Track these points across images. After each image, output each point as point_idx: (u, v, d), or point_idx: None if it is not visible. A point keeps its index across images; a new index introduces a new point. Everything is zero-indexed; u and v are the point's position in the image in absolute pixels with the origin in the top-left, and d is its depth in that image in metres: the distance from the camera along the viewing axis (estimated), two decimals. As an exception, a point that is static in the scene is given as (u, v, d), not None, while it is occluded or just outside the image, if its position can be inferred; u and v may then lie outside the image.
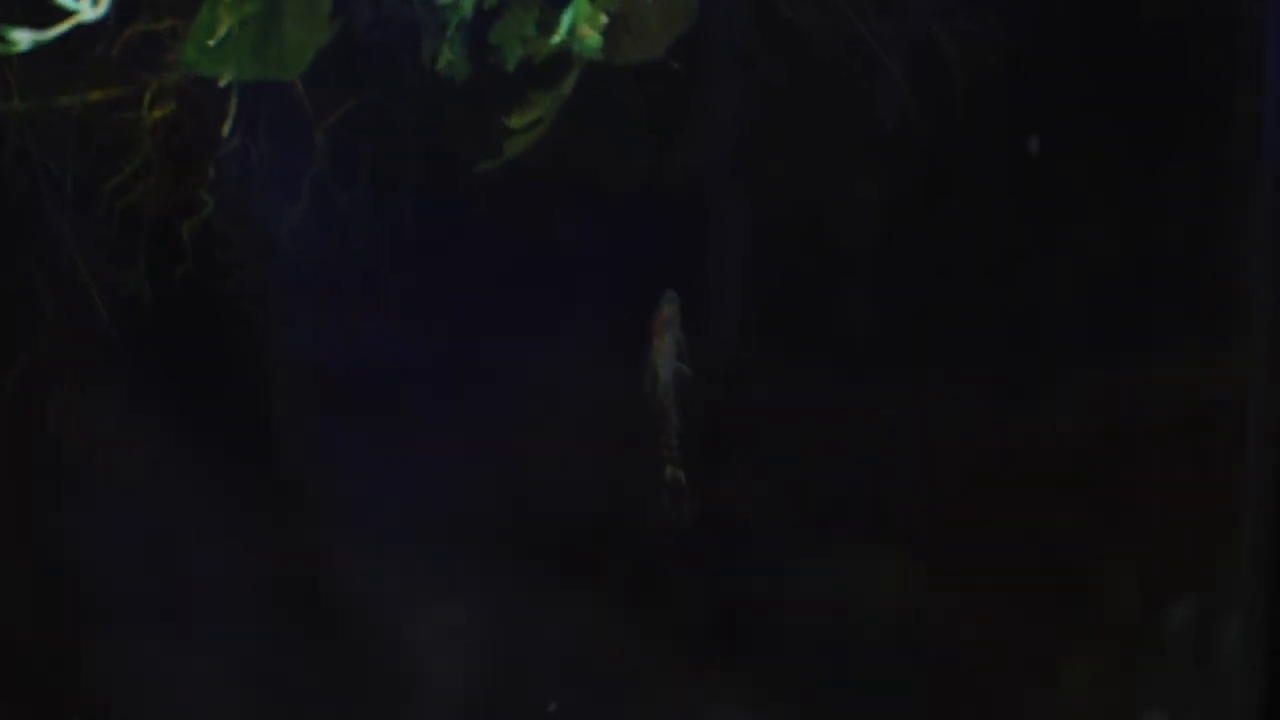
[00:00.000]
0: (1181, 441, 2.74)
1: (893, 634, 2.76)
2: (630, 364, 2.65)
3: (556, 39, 2.41)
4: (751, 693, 2.76)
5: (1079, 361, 2.73)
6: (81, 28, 2.30)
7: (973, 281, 2.70)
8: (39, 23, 2.14)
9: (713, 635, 2.77)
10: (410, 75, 2.52)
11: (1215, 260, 2.71)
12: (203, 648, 2.75)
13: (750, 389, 2.69)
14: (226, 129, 2.54)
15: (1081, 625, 2.76)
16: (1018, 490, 2.72)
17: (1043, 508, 2.74)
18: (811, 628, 2.75)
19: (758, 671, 2.76)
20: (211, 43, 2.45)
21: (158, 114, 2.57)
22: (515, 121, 2.50)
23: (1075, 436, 2.74)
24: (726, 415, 2.68)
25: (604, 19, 2.37)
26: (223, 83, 2.47)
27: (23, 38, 2.14)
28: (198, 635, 2.75)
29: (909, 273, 2.70)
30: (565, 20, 2.36)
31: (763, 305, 2.69)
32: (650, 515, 2.68)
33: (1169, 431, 2.74)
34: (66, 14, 2.14)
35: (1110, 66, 2.64)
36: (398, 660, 2.75)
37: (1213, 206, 2.69)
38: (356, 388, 2.69)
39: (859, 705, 2.74)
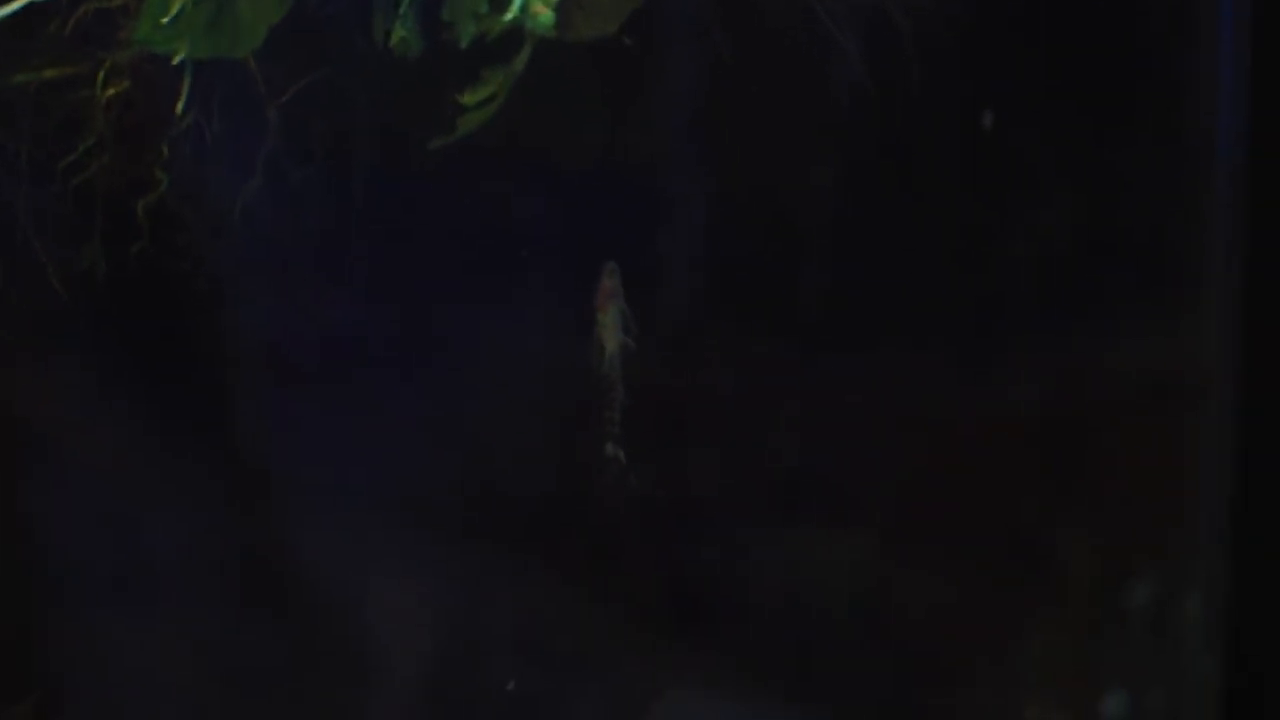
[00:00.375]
0: (1141, 419, 2.73)
1: (848, 612, 2.75)
2: (586, 338, 2.65)
3: (509, 16, 2.42)
4: (707, 668, 2.76)
5: (1037, 339, 2.72)
6: (34, 5, 2.31)
7: (929, 258, 2.70)
8: (-13, -1, 2.15)
9: (667, 612, 2.77)
10: (363, 52, 2.53)
11: (1175, 236, 2.70)
12: (162, 626, 2.75)
13: (704, 365, 2.69)
14: (180, 107, 2.55)
15: (1042, 603, 2.76)
16: (975, 468, 2.72)
17: (1001, 486, 2.73)
18: (766, 604, 2.75)
19: (713, 648, 2.76)
20: (165, 20, 2.46)
21: (111, 91, 2.58)
22: (468, 98, 2.50)
23: (1034, 414, 2.74)
24: (679, 391, 2.68)
25: (557, -5, 2.38)
26: (176, 60, 2.48)
27: (-29, 14, 2.15)
28: (158, 614, 2.75)
29: (864, 249, 2.70)
30: (517, -3, 2.37)
31: (717, 281, 2.69)
32: (605, 491, 2.68)
33: (1128, 409, 2.74)
34: (15, -10, 2.15)
35: (1066, 40, 2.64)
36: (353, 639, 2.75)
37: (1172, 181, 2.69)
38: (312, 364, 2.69)
39: (815, 681, 2.74)
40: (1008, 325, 2.72)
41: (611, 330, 2.62)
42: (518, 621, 2.76)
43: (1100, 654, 2.76)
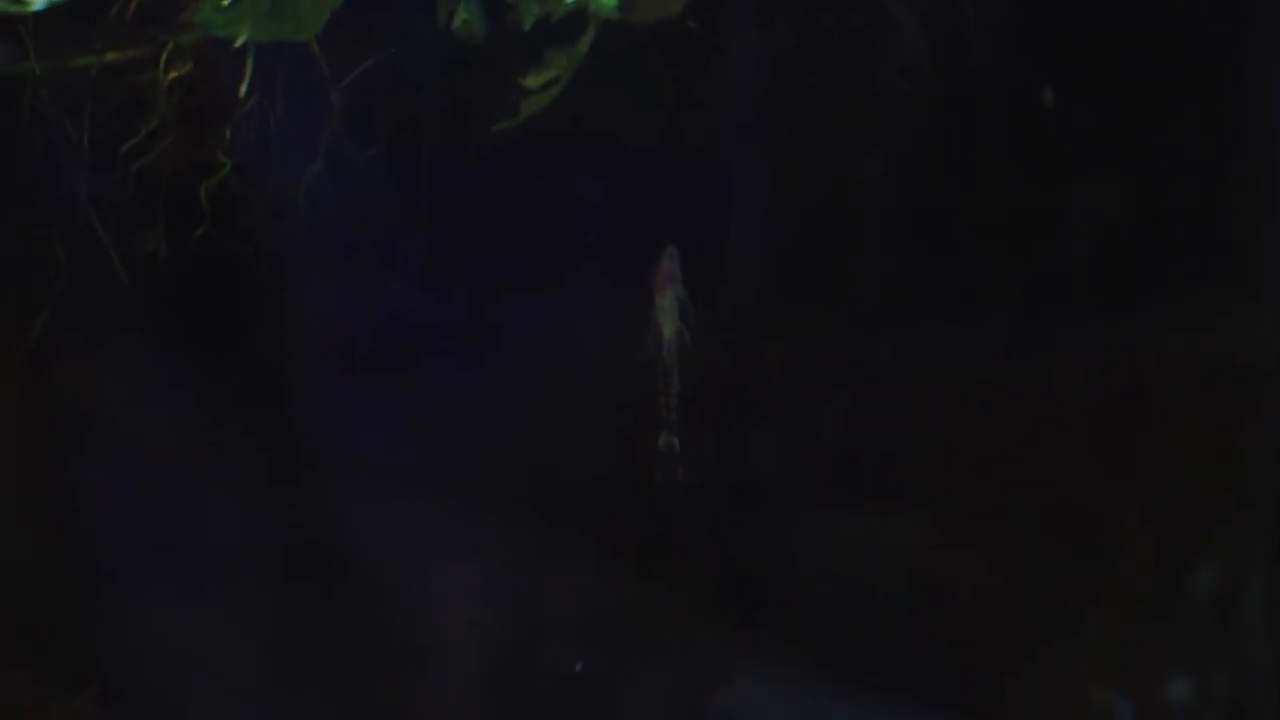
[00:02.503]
0: (1201, 403, 2.73)
1: (907, 595, 2.75)
2: (647, 322, 2.65)
3: (573, -2, 2.41)
4: (764, 650, 2.76)
5: (1098, 319, 2.71)
6: (96, -12, 2.30)
7: (987, 237, 2.69)
8: (54, -18, 2.14)
9: (726, 594, 2.76)
10: (426, 35, 2.52)
11: (1233, 220, 2.69)
12: (221, 608, 2.75)
13: (766, 347, 2.68)
14: (243, 90, 2.54)
15: (1102, 587, 2.75)
16: (1034, 451, 2.71)
17: (1062, 471, 2.72)
18: (824, 586, 2.74)
19: (771, 630, 2.76)
20: (226, 3, 2.45)
21: (174, 75, 2.57)
22: (531, 81, 2.49)
23: (1094, 399, 2.73)
24: (736, 375, 2.67)
25: (620, -23, 2.37)
26: (238, 43, 2.47)
27: (37, -3, 2.14)
28: (216, 595, 2.75)
29: (923, 229, 2.69)
30: (582, -22, 2.36)
31: (779, 263, 2.68)
32: (660, 480, 2.68)
33: (1188, 394, 2.73)
34: (81, -28, 2.14)
35: (1125, 22, 2.63)
36: (409, 621, 2.75)
37: (1232, 158, 2.68)
38: (372, 347, 2.69)
39: (871, 664, 2.73)
40: (1072, 304, 2.71)
41: (669, 315, 2.60)
42: (578, 604, 2.76)
43: (1162, 639, 2.75)
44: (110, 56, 2.58)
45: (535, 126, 2.49)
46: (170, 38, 2.56)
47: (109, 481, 2.72)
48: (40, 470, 2.76)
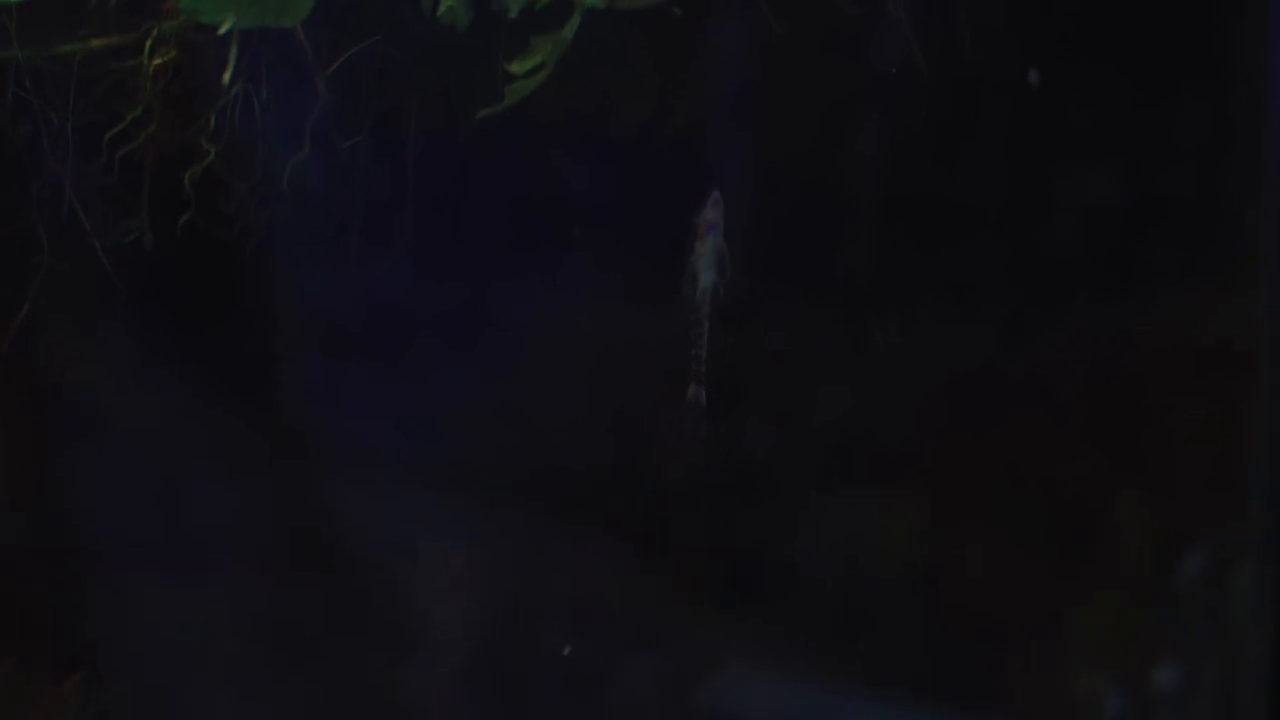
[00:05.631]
0: (1192, 387, 2.72)
1: (904, 579, 2.74)
2: (633, 305, 2.63)
3: (558, -17, 2.40)
4: (766, 637, 2.75)
5: (1090, 304, 2.70)
6: (81, -27, 2.30)
7: (982, 224, 2.68)
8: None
9: (727, 580, 2.76)
10: (411, 21, 2.51)
11: (1226, 200, 2.68)
12: (210, 595, 2.74)
13: (753, 333, 2.67)
14: (227, 76, 2.53)
15: (1092, 573, 2.74)
16: (1026, 439, 2.70)
17: (1052, 458, 2.72)
18: (825, 572, 2.74)
19: (773, 616, 2.75)
20: (211, -12, 2.44)
21: (158, 61, 2.56)
22: (516, 67, 2.48)
23: (1085, 386, 2.72)
24: (730, 358, 2.66)
25: (606, -38, 2.36)
26: (223, 30, 2.46)
27: (20, -17, 2.13)
28: (205, 583, 2.74)
29: (915, 216, 2.68)
30: (567, -36, 2.35)
31: (766, 250, 2.67)
32: (657, 460, 2.67)
33: (1179, 381, 2.72)
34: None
35: (1117, 9, 2.62)
36: (412, 606, 2.75)
37: (1223, 145, 2.67)
38: (360, 334, 2.68)
39: (873, 649, 2.73)
40: (1060, 295, 2.70)
41: (707, 263, 2.54)
42: (577, 588, 2.75)
43: (1152, 626, 2.74)
44: (94, 43, 2.57)
45: (520, 112, 2.49)
46: (155, 24, 2.55)
47: (95, 470, 2.72)
48: (25, 459, 2.76)
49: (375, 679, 2.75)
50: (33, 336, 2.66)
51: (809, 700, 2.76)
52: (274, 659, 2.74)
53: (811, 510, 2.74)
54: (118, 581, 2.73)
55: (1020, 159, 2.68)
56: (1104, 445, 2.73)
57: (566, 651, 2.73)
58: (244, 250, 2.63)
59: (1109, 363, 2.73)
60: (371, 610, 2.74)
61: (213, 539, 2.73)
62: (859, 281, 2.71)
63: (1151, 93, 2.66)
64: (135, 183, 2.61)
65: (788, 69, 2.63)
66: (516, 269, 2.66)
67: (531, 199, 2.65)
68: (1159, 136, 2.68)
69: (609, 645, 2.76)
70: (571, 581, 2.75)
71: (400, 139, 2.63)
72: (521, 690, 2.79)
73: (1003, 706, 2.75)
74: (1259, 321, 2.69)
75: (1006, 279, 2.69)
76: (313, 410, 2.70)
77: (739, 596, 2.76)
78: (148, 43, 2.56)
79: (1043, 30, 2.66)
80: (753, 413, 2.72)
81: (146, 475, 2.71)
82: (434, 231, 2.65)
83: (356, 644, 2.74)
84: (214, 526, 2.72)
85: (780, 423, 2.74)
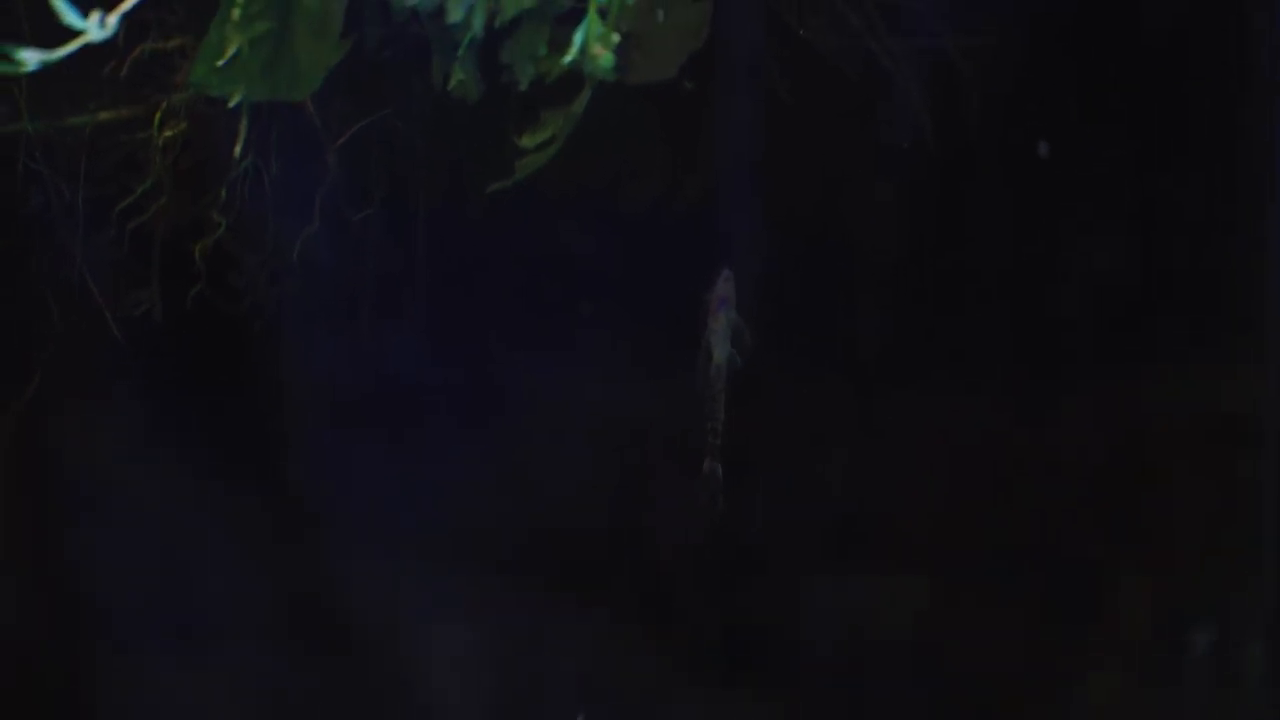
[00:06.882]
0: (1200, 458, 2.72)
1: (911, 652, 2.74)
2: (643, 380, 2.64)
3: (569, 58, 2.39)
4: (770, 711, 2.74)
5: (1097, 376, 2.71)
6: (90, 47, 2.29)
7: (990, 294, 2.69)
8: (47, 42, 2.13)
9: (732, 653, 2.75)
10: (421, 95, 2.51)
11: (1233, 277, 2.69)
12: (215, 665, 2.74)
13: (764, 405, 2.66)
14: (238, 149, 2.53)
15: (1102, 645, 2.74)
16: (1033, 511, 2.71)
17: (1060, 528, 2.72)
18: (830, 647, 2.73)
19: (778, 690, 2.74)
20: (220, 63, 2.44)
21: (168, 134, 2.57)
22: (527, 141, 2.48)
23: (1092, 457, 2.72)
24: (742, 430, 2.65)
25: (616, 38, 2.35)
26: (232, 103, 2.46)
27: (31, 58, 2.12)
28: (210, 652, 2.74)
29: (925, 287, 2.69)
30: (577, 39, 2.34)
31: (777, 322, 2.67)
32: (665, 532, 2.67)
33: (1187, 448, 2.72)
34: (75, 33, 2.13)
35: (1124, 83, 2.63)
36: (417, 677, 2.74)
37: (1227, 216, 2.67)
38: (370, 406, 2.68)
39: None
40: (1074, 362, 2.70)
41: (720, 339, 2.55)
42: (583, 660, 2.75)
43: (1161, 700, 2.74)
44: (104, 116, 2.57)
45: (531, 186, 2.49)
46: (164, 97, 2.55)
47: (104, 539, 2.71)
48: (35, 531, 2.75)
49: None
50: (44, 406, 2.66)
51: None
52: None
53: (828, 584, 2.74)
54: (126, 651, 2.72)
55: (1029, 230, 2.69)
56: (1111, 519, 2.73)
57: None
58: (254, 323, 2.64)
59: (1115, 435, 2.73)
60: (385, 684, 2.74)
61: (221, 610, 2.72)
62: (869, 355, 2.72)
63: (1159, 165, 2.67)
64: (146, 254, 2.61)
65: (798, 141, 2.63)
66: (528, 343, 2.67)
67: (543, 273, 2.65)
68: (1168, 204, 2.69)
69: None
70: (584, 657, 2.75)
71: (411, 212, 2.63)
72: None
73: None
74: (1266, 394, 2.70)
75: (1014, 352, 2.70)
76: (322, 483, 2.69)
77: (754, 671, 2.76)
78: (158, 115, 2.56)
79: (1052, 102, 2.66)
80: (768, 486, 2.72)
81: (155, 545, 2.71)
82: (445, 305, 2.65)
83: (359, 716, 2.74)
84: (223, 598, 2.72)
85: (795, 497, 2.74)
